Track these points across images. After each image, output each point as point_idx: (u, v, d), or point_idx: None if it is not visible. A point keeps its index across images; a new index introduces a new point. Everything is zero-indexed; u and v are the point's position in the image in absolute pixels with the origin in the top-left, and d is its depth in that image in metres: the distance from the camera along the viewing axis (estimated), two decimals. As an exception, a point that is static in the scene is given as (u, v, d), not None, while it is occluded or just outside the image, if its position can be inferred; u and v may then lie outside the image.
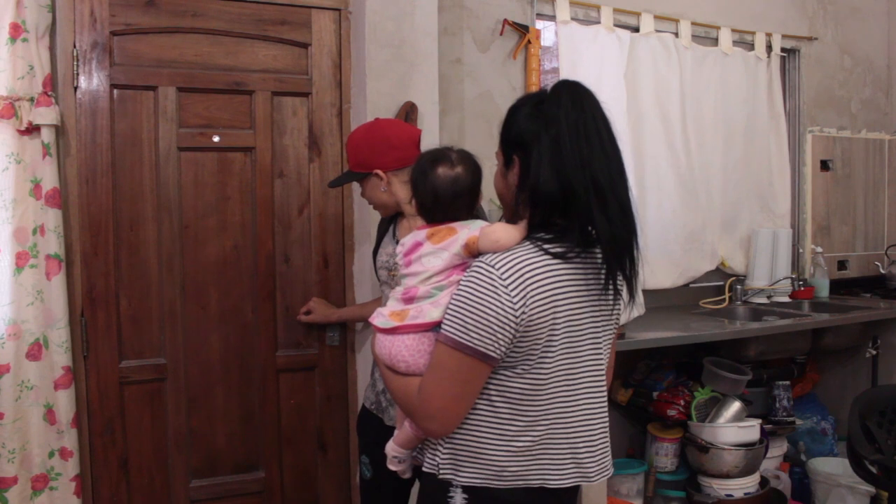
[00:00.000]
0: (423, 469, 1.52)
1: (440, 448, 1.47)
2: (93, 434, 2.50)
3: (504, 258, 1.36)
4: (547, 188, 1.36)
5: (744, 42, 3.90)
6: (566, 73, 3.31)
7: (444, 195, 1.54)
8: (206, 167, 2.63)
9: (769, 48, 3.97)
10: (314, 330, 2.77)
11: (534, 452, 1.43)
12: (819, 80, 4.23)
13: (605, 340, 1.51)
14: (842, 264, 4.30)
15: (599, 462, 1.50)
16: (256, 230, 2.70)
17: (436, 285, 1.48)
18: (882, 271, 4.30)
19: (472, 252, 1.44)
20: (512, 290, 1.33)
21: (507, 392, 1.41)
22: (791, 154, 4.13)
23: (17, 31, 2.30)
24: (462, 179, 1.55)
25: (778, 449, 3.43)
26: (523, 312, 1.34)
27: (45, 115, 2.33)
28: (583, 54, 3.34)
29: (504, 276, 1.34)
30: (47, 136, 2.35)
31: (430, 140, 2.71)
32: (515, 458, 1.42)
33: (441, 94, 2.81)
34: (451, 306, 1.39)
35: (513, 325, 1.34)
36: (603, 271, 1.41)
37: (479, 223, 1.51)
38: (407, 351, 1.48)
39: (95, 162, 2.48)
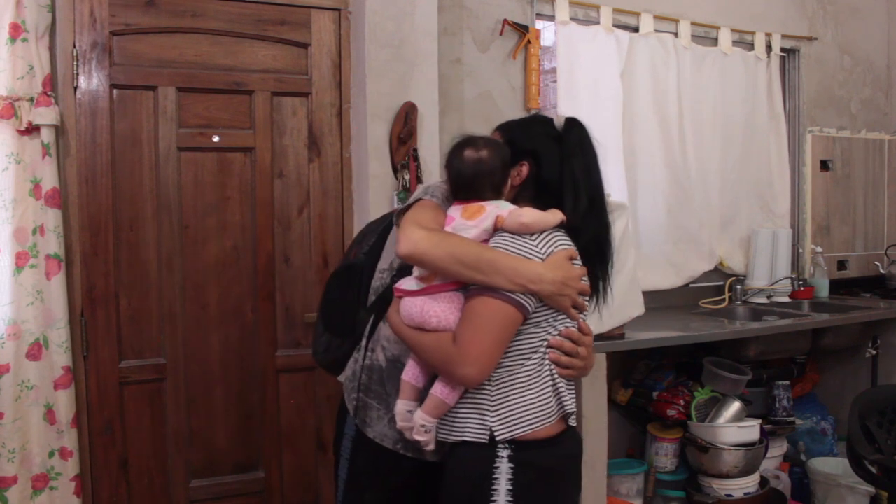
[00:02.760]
0: (466, 439, 1.61)
1: (487, 414, 1.60)
2: (93, 434, 2.50)
3: (545, 233, 1.62)
4: (582, 203, 1.69)
5: (743, 42, 3.90)
6: (564, 74, 3.32)
7: (467, 173, 1.68)
8: (206, 167, 2.63)
9: (769, 48, 3.97)
10: (313, 330, 2.76)
11: (559, 386, 1.65)
12: (819, 81, 4.22)
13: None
14: (841, 264, 4.30)
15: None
16: (256, 230, 2.70)
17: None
18: (882, 271, 4.30)
19: (500, 228, 1.62)
20: (543, 252, 1.59)
21: (533, 346, 1.62)
22: (791, 154, 4.13)
23: (16, 31, 2.31)
24: (485, 161, 1.68)
25: (778, 449, 3.42)
26: None
27: (45, 115, 2.33)
28: (581, 55, 3.34)
29: (535, 240, 1.59)
30: (47, 136, 2.35)
31: (429, 140, 2.72)
32: (548, 399, 1.62)
33: (441, 94, 2.81)
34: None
35: None
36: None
37: (508, 205, 1.67)
38: (438, 307, 1.61)
39: (95, 162, 2.48)
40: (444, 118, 2.92)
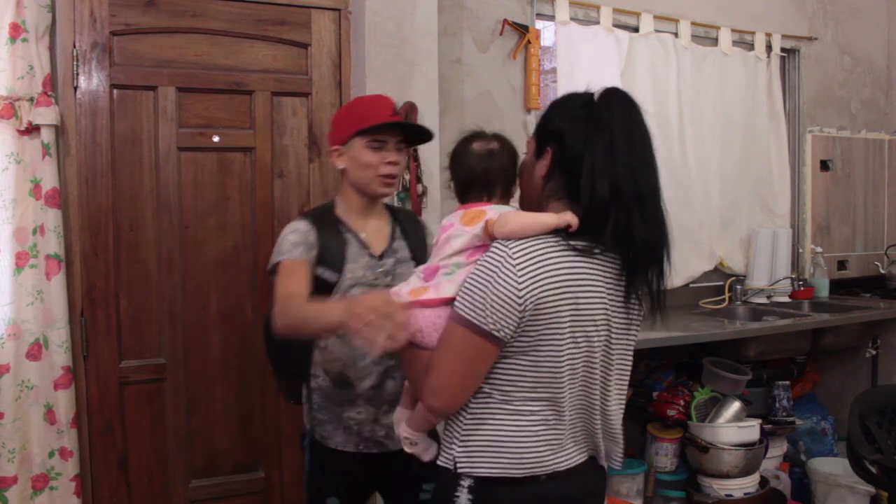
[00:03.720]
0: (438, 463, 1.52)
1: (455, 442, 1.47)
2: (93, 434, 2.50)
3: (521, 243, 1.37)
4: (599, 189, 1.39)
5: (743, 42, 3.90)
6: (564, 74, 3.32)
7: (477, 168, 1.57)
8: (206, 167, 2.64)
9: (769, 48, 3.97)
10: (314, 330, 2.77)
11: (549, 439, 1.44)
12: (819, 80, 4.23)
13: (626, 342, 1.51)
14: (841, 264, 4.30)
15: (615, 455, 1.57)
16: (256, 230, 2.70)
17: (455, 262, 1.49)
18: (882, 271, 4.30)
19: (490, 235, 1.44)
20: (520, 272, 1.34)
21: (517, 379, 1.42)
22: (791, 154, 4.13)
23: (16, 31, 2.31)
24: (496, 153, 1.59)
25: (778, 449, 3.42)
26: (530, 295, 1.34)
27: (45, 115, 2.33)
28: (581, 55, 3.34)
29: (515, 257, 1.35)
30: (47, 136, 2.35)
31: (428, 143, 2.71)
32: (532, 446, 1.43)
33: (441, 94, 2.81)
34: (464, 284, 1.41)
35: (516, 307, 1.34)
36: (622, 276, 1.45)
37: (504, 208, 1.52)
38: (424, 321, 1.47)
39: (95, 162, 2.48)
40: (444, 118, 2.92)
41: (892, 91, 4.54)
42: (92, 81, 2.47)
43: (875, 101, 4.49)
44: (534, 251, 1.36)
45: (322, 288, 1.94)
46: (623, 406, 1.56)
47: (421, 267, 1.58)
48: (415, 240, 2.12)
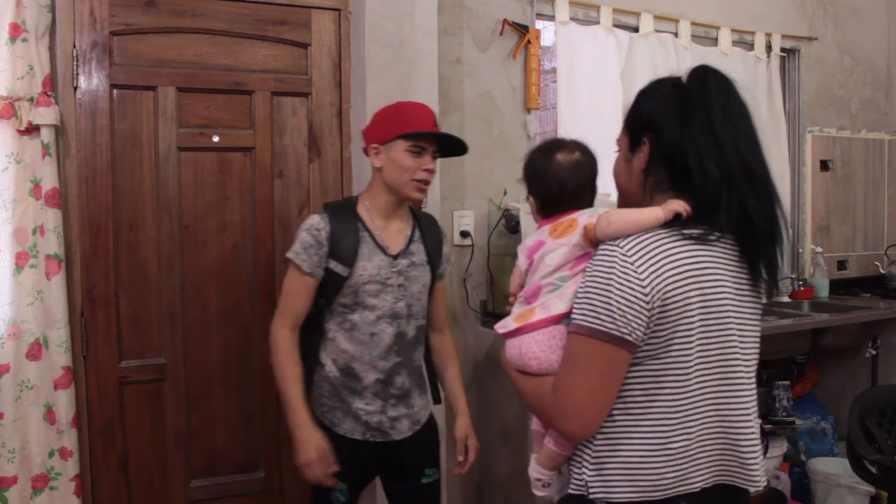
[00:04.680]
0: (569, 491, 1.40)
1: (586, 465, 1.35)
2: (92, 434, 2.50)
3: (632, 239, 1.28)
4: (709, 170, 1.29)
5: (743, 42, 3.90)
6: (564, 74, 3.32)
7: (568, 182, 1.49)
8: (206, 167, 2.63)
9: (769, 48, 3.97)
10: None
11: (692, 453, 1.31)
12: (819, 80, 4.23)
13: (751, 333, 1.40)
14: (841, 264, 4.30)
15: (758, 465, 1.38)
16: (256, 230, 2.70)
17: (558, 277, 1.41)
18: (882, 271, 4.31)
19: (591, 240, 1.36)
20: (640, 267, 1.25)
21: (652, 388, 1.30)
22: (791, 154, 4.13)
23: (16, 31, 2.31)
24: (583, 164, 1.52)
25: (778, 449, 3.42)
26: (656, 291, 1.25)
27: (45, 115, 2.33)
28: (581, 55, 3.35)
29: (630, 254, 1.26)
30: (47, 136, 2.35)
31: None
32: (673, 463, 1.30)
33: (441, 94, 2.81)
34: (579, 294, 1.32)
35: (643, 305, 1.24)
36: (745, 260, 1.36)
37: (599, 210, 1.43)
38: (538, 346, 1.39)
39: (95, 162, 2.48)
40: (444, 118, 2.92)
41: (892, 91, 4.54)
42: (92, 81, 2.47)
43: (875, 100, 4.49)
44: (649, 244, 1.27)
45: (334, 280, 2.07)
46: (756, 411, 1.41)
47: (521, 293, 1.51)
48: (432, 244, 2.22)
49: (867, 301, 3.92)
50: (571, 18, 3.34)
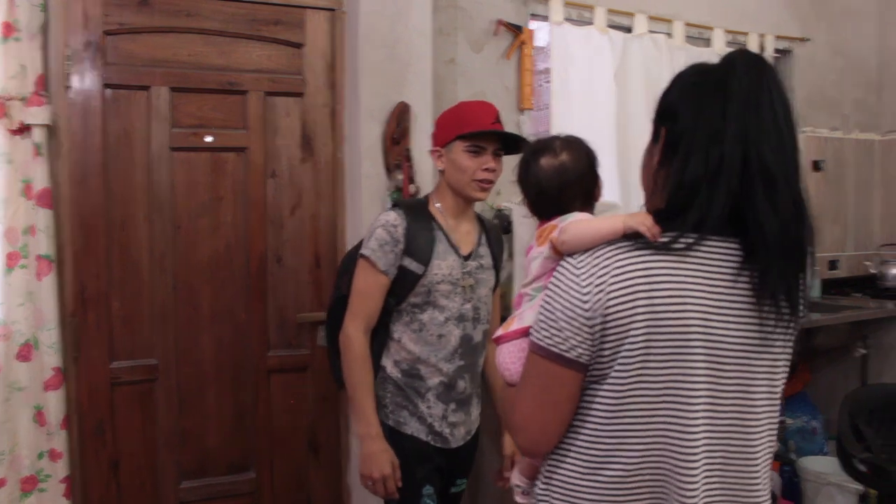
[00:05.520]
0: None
1: (541, 478, 1.31)
2: (83, 435, 2.49)
3: (589, 253, 1.19)
4: (691, 166, 1.15)
5: (737, 43, 3.90)
6: (558, 74, 3.31)
7: (550, 187, 1.42)
8: (199, 167, 2.62)
9: (762, 49, 3.97)
10: (305, 330, 2.77)
11: (631, 487, 1.18)
12: (811, 81, 4.24)
13: (748, 367, 1.18)
14: (833, 264, 4.32)
15: None
16: (248, 230, 2.69)
17: (535, 287, 1.38)
18: (873, 271, 4.33)
19: (558, 252, 1.28)
20: (584, 284, 1.15)
21: (584, 409, 1.21)
22: (783, 154, 4.13)
23: (9, 30, 2.29)
24: (568, 168, 1.43)
25: (768, 448, 3.44)
26: (598, 307, 1.14)
27: (37, 115, 2.32)
28: (575, 55, 3.34)
29: (579, 269, 1.17)
30: (39, 135, 2.34)
31: (422, 141, 2.71)
32: (607, 491, 1.20)
33: (435, 94, 2.80)
34: (538, 308, 1.26)
35: (584, 322, 1.15)
36: (751, 272, 1.15)
37: (578, 216, 1.35)
38: (509, 357, 1.37)
39: (87, 162, 2.47)
40: (438, 119, 2.91)
41: (884, 92, 4.55)
42: (85, 81, 2.45)
43: (867, 101, 4.50)
44: (600, 258, 1.16)
45: (407, 278, 2.06)
46: (767, 469, 1.24)
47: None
48: (497, 249, 2.24)
49: (858, 301, 3.94)
50: (565, 19, 3.33)
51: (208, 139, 2.62)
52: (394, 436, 2.08)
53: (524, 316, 1.38)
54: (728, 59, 1.19)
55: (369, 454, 2.02)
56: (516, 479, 1.52)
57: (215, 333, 2.67)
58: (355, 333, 2.05)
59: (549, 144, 1.47)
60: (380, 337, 2.12)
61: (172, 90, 2.56)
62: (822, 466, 3.52)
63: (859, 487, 3.26)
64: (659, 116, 1.26)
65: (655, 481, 1.17)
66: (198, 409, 2.65)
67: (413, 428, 2.10)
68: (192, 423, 2.65)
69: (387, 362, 2.12)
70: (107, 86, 2.48)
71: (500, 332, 1.43)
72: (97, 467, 2.52)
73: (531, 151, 1.50)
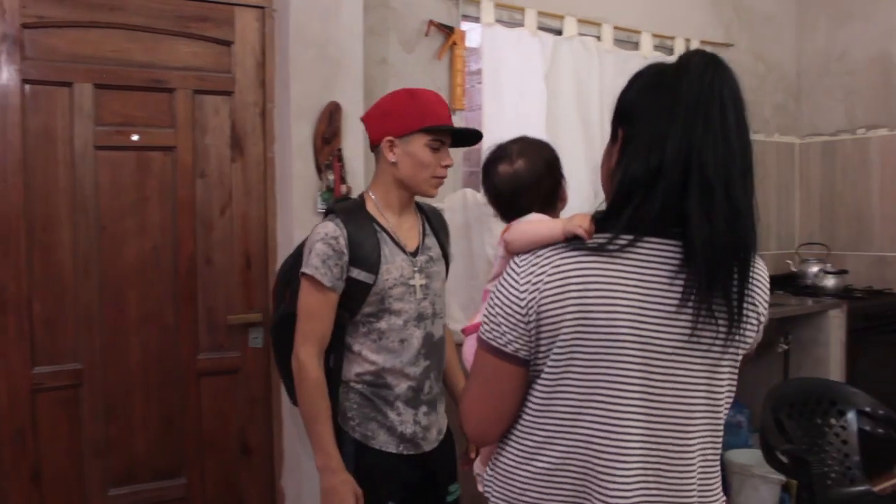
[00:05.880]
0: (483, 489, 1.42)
1: (488, 466, 1.37)
2: (1, 444, 2.40)
3: (531, 254, 1.22)
4: (629, 170, 1.15)
5: (664, 47, 4.00)
6: (489, 75, 3.34)
7: (505, 193, 1.48)
8: (125, 167, 2.56)
9: (687, 53, 4.08)
10: (236, 332, 2.73)
11: (557, 480, 1.23)
12: (734, 85, 4.36)
13: (684, 371, 1.18)
14: (756, 263, 4.45)
15: None
16: (177, 231, 2.63)
17: (494, 284, 1.38)
18: (793, 269, 4.47)
19: (509, 253, 1.32)
20: (522, 282, 1.19)
21: (529, 403, 1.26)
22: (708, 156, 4.25)
23: (-81, 22, 2.20)
24: (522, 174, 1.48)
25: (695, 442, 3.52)
26: (532, 305, 1.17)
27: (-49, 112, 2.23)
28: (506, 56, 3.37)
29: (519, 268, 1.21)
30: (-47, 133, 2.25)
31: (353, 141, 2.70)
32: (536, 482, 1.24)
33: (366, 94, 2.79)
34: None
35: (520, 318, 1.19)
36: (688, 274, 1.14)
37: (533, 218, 1.39)
38: (468, 350, 1.43)
39: (5, 160, 2.38)
40: (370, 118, 2.90)
41: (802, 97, 4.73)
42: (1, 76, 2.37)
43: (786, 106, 4.67)
44: (539, 259, 1.20)
45: (358, 290, 1.94)
46: (710, 473, 1.25)
47: None
48: (443, 235, 2.15)
49: (780, 298, 4.07)
50: (496, 20, 3.37)
51: (134, 138, 2.56)
52: (359, 450, 1.99)
53: (482, 311, 1.42)
54: (682, 60, 1.18)
55: (330, 488, 1.92)
56: (478, 468, 1.56)
57: (143, 336, 2.60)
58: (308, 360, 1.92)
59: (506, 151, 1.52)
60: (337, 352, 2.02)
61: (96, 87, 2.49)
62: (746, 459, 3.62)
63: (781, 478, 3.37)
64: (616, 117, 1.26)
65: (578, 479, 1.20)
66: (125, 415, 2.58)
67: (381, 441, 2.00)
68: (119, 429, 2.58)
69: (349, 375, 2.01)
70: (25, 81, 2.40)
71: (467, 323, 1.47)
72: (17, 478, 2.43)
73: (490, 158, 1.54)
